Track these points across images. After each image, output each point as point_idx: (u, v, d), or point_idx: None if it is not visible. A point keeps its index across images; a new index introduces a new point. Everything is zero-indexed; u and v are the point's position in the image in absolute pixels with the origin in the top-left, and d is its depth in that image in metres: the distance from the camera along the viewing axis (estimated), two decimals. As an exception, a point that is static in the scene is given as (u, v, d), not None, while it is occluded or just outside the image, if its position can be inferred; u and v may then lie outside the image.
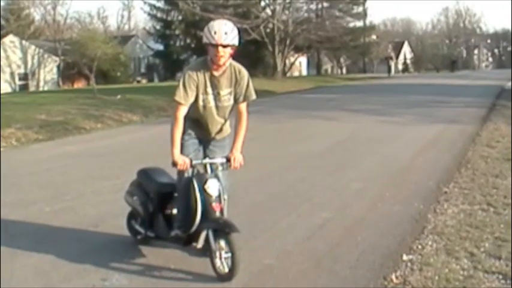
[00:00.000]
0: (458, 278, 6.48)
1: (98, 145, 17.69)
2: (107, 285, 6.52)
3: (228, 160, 6.81)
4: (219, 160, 6.88)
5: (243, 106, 7.00)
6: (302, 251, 7.49)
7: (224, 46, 6.56)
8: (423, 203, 9.68)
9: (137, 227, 7.62)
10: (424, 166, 13.08)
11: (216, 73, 6.79)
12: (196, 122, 7.02)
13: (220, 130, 7.15)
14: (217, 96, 6.91)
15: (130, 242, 7.65)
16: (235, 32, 6.65)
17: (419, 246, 7.54)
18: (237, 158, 6.82)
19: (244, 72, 6.97)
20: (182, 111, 6.78)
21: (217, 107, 6.96)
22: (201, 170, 6.77)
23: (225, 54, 6.62)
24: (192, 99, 6.80)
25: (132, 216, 7.78)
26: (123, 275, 6.73)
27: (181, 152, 6.74)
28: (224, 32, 6.53)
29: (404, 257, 7.14)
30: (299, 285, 6.43)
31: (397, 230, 8.27)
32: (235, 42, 6.66)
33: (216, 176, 6.76)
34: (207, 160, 6.78)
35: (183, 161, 6.61)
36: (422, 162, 13.54)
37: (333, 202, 9.89)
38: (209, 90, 6.86)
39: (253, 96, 7.00)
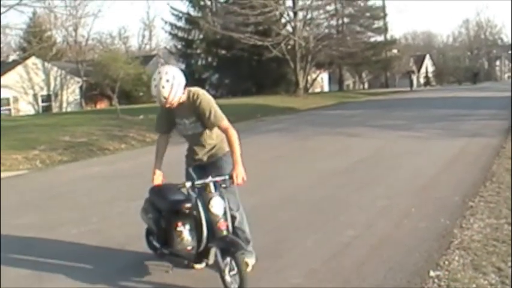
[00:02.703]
0: (486, 293, 6.45)
1: (122, 166, 17.78)
2: (135, 307, 6.53)
3: (231, 177, 6.82)
4: (220, 178, 6.89)
5: (221, 126, 7.03)
6: (329, 270, 7.47)
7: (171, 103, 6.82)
8: (449, 218, 9.63)
9: (154, 243, 7.69)
10: (449, 181, 13.02)
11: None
12: (189, 148, 7.38)
13: (213, 151, 7.29)
14: (186, 125, 7.12)
15: (156, 263, 7.65)
16: (170, 82, 6.73)
17: (446, 262, 7.50)
18: (239, 173, 6.81)
19: (201, 97, 6.99)
20: (160, 137, 7.50)
21: (193, 134, 7.18)
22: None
23: (173, 101, 6.82)
24: (165, 127, 7.32)
25: (149, 232, 7.87)
26: (150, 297, 6.75)
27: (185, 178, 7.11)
28: (162, 97, 6.72)
29: (432, 273, 7.11)
30: (327, 304, 6.43)
31: (424, 246, 8.23)
32: (177, 92, 6.80)
33: (220, 195, 6.79)
34: (209, 179, 6.78)
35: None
36: (447, 177, 13.47)
37: (359, 220, 9.85)
38: (178, 120, 7.14)
39: (221, 121, 7.00)
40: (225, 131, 7.01)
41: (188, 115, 7.01)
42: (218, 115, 6.97)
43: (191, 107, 6.94)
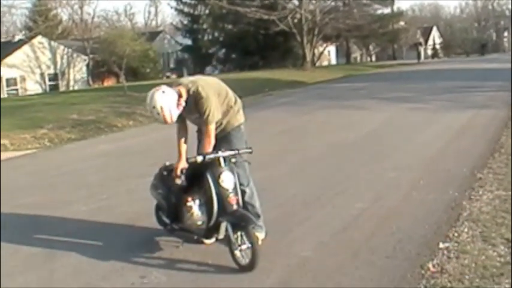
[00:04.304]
0: (495, 264, 6.45)
1: (130, 143, 17.81)
2: (146, 282, 6.56)
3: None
4: (230, 152, 6.96)
5: (207, 127, 7.08)
6: (338, 243, 7.50)
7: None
8: (458, 190, 9.63)
9: (164, 218, 7.73)
10: (457, 152, 13.02)
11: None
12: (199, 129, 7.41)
13: (222, 126, 7.33)
14: (192, 119, 7.29)
15: (167, 238, 7.69)
16: (161, 113, 6.82)
17: (456, 234, 7.52)
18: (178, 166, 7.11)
19: (202, 95, 6.99)
20: (178, 126, 7.37)
21: (200, 127, 7.31)
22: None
23: (174, 119, 6.96)
24: (179, 118, 7.15)
25: (159, 208, 7.88)
26: (161, 272, 6.78)
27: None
28: (163, 123, 6.92)
29: (441, 245, 7.12)
30: (337, 277, 6.45)
31: (433, 218, 8.24)
32: (172, 113, 6.86)
33: (230, 169, 6.83)
34: (219, 154, 6.82)
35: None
36: (455, 149, 13.47)
37: (368, 192, 9.86)
38: (184, 114, 7.16)
39: (208, 124, 7.03)
40: (205, 132, 7.09)
41: (192, 112, 7.08)
42: (210, 117, 7.00)
43: (193, 103, 7.00)
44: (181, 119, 7.20)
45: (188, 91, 6.98)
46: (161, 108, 6.71)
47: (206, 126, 7.02)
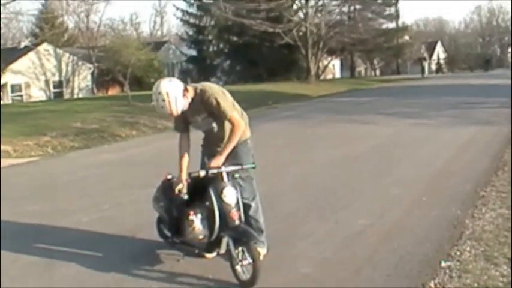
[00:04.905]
0: (497, 284, 6.43)
1: (133, 153, 17.80)
2: (146, 295, 6.55)
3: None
4: (233, 168, 6.92)
5: (231, 119, 7.04)
6: (341, 259, 7.47)
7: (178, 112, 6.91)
8: (460, 207, 9.60)
9: (166, 231, 7.70)
10: (460, 169, 12.99)
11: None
12: (205, 138, 7.45)
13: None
14: (199, 122, 7.18)
15: (168, 251, 7.66)
16: (167, 100, 6.80)
17: (458, 253, 7.48)
18: (215, 162, 6.90)
19: (209, 92, 6.98)
20: (180, 137, 7.33)
21: (207, 130, 7.27)
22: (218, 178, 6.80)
23: (179, 111, 6.92)
24: (182, 125, 7.28)
25: (161, 221, 7.86)
26: (161, 285, 6.76)
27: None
28: (167, 114, 6.92)
29: (443, 264, 7.09)
30: (338, 294, 6.43)
31: (435, 236, 8.22)
32: (178, 103, 6.84)
33: (233, 184, 6.79)
34: (222, 168, 6.78)
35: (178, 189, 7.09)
36: (458, 165, 13.45)
37: (371, 208, 9.84)
38: (191, 118, 7.16)
39: (230, 114, 6.99)
40: (232, 123, 7.02)
41: (199, 112, 7.03)
42: (227, 107, 6.97)
43: (200, 103, 6.95)
44: (184, 126, 7.23)
45: (195, 90, 6.99)
46: (167, 94, 6.70)
47: (227, 117, 7.00)
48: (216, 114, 6.97)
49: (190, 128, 7.34)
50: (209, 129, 7.19)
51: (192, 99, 6.94)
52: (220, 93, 7.01)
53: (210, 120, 7.07)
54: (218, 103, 6.90)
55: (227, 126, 7.11)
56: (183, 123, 7.21)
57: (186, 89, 6.87)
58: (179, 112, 6.83)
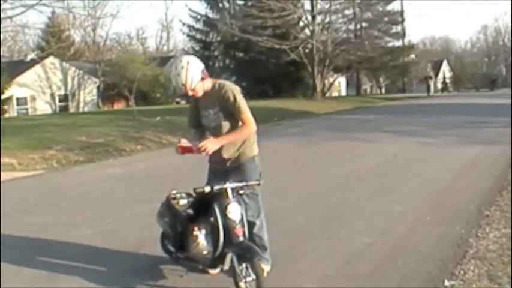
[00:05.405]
0: (501, 304, 6.42)
1: (138, 167, 17.82)
2: (149, 310, 6.54)
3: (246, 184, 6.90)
4: (238, 184, 6.85)
5: (243, 117, 7.04)
6: (343, 276, 7.45)
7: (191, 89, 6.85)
8: (465, 226, 9.58)
9: (169, 247, 7.68)
10: (465, 188, 12.97)
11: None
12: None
13: (236, 154, 7.23)
14: (211, 115, 7.12)
15: (171, 267, 7.65)
16: (186, 67, 6.81)
17: (461, 272, 7.45)
18: (210, 143, 6.85)
19: (227, 87, 7.01)
20: (193, 133, 7.42)
21: (215, 126, 7.15)
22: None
23: (195, 90, 6.88)
24: (194, 121, 7.38)
25: (165, 236, 7.83)
26: (164, 300, 6.76)
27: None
28: (181, 84, 6.82)
29: (446, 283, 7.07)
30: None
31: (439, 255, 8.19)
32: (194, 77, 6.83)
33: (238, 201, 6.77)
34: (227, 185, 6.76)
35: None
36: (463, 184, 13.43)
37: (374, 226, 9.82)
38: (203, 111, 7.17)
39: (244, 113, 7.01)
40: (244, 123, 7.02)
41: (212, 105, 7.02)
42: (242, 106, 6.99)
43: (216, 96, 6.97)
44: (196, 121, 7.34)
45: (214, 83, 7.04)
46: (187, 63, 6.76)
47: (241, 114, 7.00)
48: (230, 110, 6.97)
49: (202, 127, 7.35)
50: (217, 125, 7.11)
51: (208, 92, 6.97)
52: (238, 91, 7.04)
53: (220, 115, 7.05)
54: (235, 99, 6.92)
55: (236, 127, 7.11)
56: (195, 117, 7.27)
57: (205, 73, 6.93)
58: (192, 86, 6.79)
